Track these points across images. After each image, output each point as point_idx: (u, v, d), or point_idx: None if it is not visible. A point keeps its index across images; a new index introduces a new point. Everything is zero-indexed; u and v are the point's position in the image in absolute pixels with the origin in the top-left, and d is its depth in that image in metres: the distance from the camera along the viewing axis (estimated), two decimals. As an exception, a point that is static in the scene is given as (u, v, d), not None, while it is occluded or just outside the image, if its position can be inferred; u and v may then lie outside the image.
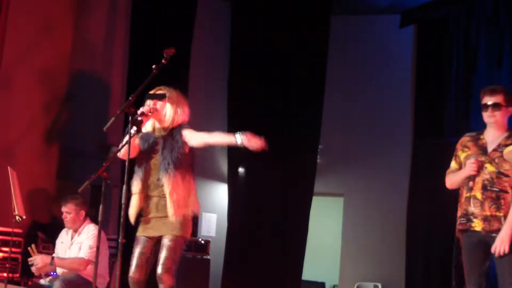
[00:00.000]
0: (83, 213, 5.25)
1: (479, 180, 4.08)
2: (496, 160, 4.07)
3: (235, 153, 8.98)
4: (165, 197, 4.00)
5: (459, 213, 4.19)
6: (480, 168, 4.07)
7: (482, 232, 4.03)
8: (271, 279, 8.37)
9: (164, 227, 4.02)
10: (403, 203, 8.60)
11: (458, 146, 4.29)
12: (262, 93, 8.87)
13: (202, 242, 7.89)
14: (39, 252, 5.38)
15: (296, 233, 8.73)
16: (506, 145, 4.05)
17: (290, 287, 8.55)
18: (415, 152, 8.76)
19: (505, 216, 3.98)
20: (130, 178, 4.03)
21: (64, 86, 7.31)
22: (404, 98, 9.01)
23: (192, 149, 4.11)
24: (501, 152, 4.05)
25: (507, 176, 4.04)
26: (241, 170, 8.95)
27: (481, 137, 4.20)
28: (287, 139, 8.73)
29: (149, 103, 4.08)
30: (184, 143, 4.05)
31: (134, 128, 3.84)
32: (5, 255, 5.70)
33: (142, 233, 4.10)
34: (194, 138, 4.05)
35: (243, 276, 8.47)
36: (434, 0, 8.67)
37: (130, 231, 4.07)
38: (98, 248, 3.78)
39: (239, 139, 3.81)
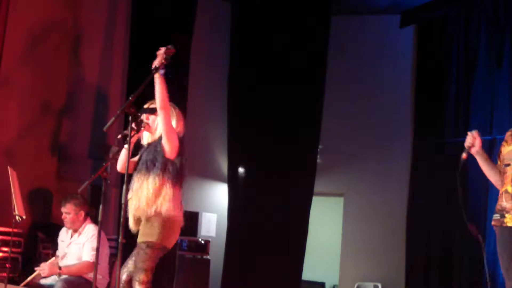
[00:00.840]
0: (82, 213, 5.22)
1: (510, 173, 3.91)
2: None
3: (235, 153, 8.98)
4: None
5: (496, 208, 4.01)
6: (475, 139, 3.93)
7: None
8: (271, 279, 8.37)
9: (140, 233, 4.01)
10: (403, 203, 8.60)
11: (503, 142, 4.09)
12: (262, 93, 8.87)
13: (202, 242, 7.90)
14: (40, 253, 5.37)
15: (296, 233, 8.72)
16: None
17: (290, 287, 8.55)
18: (415, 152, 8.76)
19: None
20: (130, 178, 4.03)
21: (63, 86, 7.31)
22: (404, 98, 9.01)
23: (180, 156, 4.04)
24: None
25: None
26: (241, 170, 8.94)
27: None
28: (287, 139, 8.73)
29: (142, 117, 4.09)
30: (163, 146, 3.99)
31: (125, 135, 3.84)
32: (5, 255, 5.69)
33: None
34: (159, 125, 4.03)
35: (243, 276, 8.47)
36: (434, 0, 8.66)
37: (130, 231, 4.06)
38: (97, 248, 3.77)
39: (153, 68, 3.85)
